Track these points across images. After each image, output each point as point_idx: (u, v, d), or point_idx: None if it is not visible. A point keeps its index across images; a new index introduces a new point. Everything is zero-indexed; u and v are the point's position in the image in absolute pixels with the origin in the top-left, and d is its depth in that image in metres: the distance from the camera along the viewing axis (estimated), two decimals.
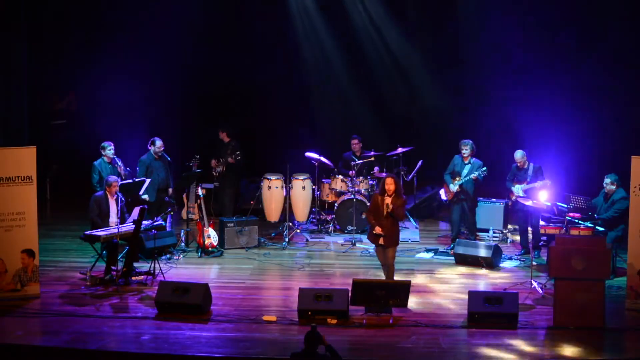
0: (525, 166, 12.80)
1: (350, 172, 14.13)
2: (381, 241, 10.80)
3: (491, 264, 12.22)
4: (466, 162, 13.13)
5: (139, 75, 15.95)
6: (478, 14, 15.60)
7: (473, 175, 12.94)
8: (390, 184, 10.72)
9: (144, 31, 15.87)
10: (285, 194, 14.11)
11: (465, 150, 13.08)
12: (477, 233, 13.55)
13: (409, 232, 14.31)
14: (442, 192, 13.58)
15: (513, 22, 15.41)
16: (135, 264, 11.68)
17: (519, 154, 12.82)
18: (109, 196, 11.89)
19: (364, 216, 12.33)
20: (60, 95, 17.42)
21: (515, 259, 12.67)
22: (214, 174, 14.24)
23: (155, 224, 12.02)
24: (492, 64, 15.56)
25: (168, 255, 12.62)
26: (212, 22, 16.11)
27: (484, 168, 12.93)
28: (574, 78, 15.24)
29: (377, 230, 10.73)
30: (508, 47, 15.46)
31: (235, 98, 16.49)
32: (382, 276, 11.87)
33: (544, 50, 15.37)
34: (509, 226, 14.08)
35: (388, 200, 10.73)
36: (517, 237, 13.33)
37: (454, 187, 13.09)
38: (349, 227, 13.84)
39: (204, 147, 14.64)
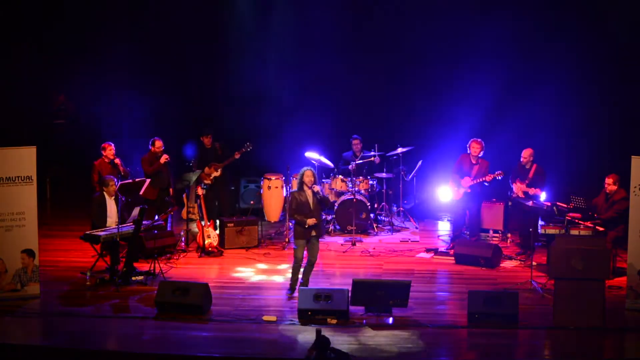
0: (529, 166, 12.78)
1: (350, 166, 14.08)
2: (313, 232, 10.82)
3: (491, 264, 12.22)
4: (474, 162, 13.12)
5: (139, 74, 15.95)
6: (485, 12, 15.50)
7: (486, 177, 12.87)
8: (309, 176, 10.77)
9: (143, 31, 15.87)
10: (285, 194, 14.09)
11: (474, 149, 13.06)
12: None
13: (409, 232, 14.31)
14: (446, 190, 13.48)
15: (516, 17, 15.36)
16: (135, 264, 11.68)
17: (526, 152, 12.80)
18: (106, 196, 11.89)
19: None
20: (58, 96, 17.41)
21: (515, 259, 12.67)
22: (207, 182, 13.94)
23: (155, 224, 12.01)
24: (491, 62, 15.51)
25: (168, 255, 12.62)
26: (211, 22, 16.10)
27: (499, 171, 12.82)
28: (575, 77, 15.20)
29: (312, 221, 10.70)
30: (508, 47, 15.42)
31: (235, 98, 16.46)
32: (382, 276, 11.88)
33: (545, 49, 15.33)
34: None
35: (316, 188, 10.76)
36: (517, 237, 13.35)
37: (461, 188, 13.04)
38: (349, 227, 13.84)
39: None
